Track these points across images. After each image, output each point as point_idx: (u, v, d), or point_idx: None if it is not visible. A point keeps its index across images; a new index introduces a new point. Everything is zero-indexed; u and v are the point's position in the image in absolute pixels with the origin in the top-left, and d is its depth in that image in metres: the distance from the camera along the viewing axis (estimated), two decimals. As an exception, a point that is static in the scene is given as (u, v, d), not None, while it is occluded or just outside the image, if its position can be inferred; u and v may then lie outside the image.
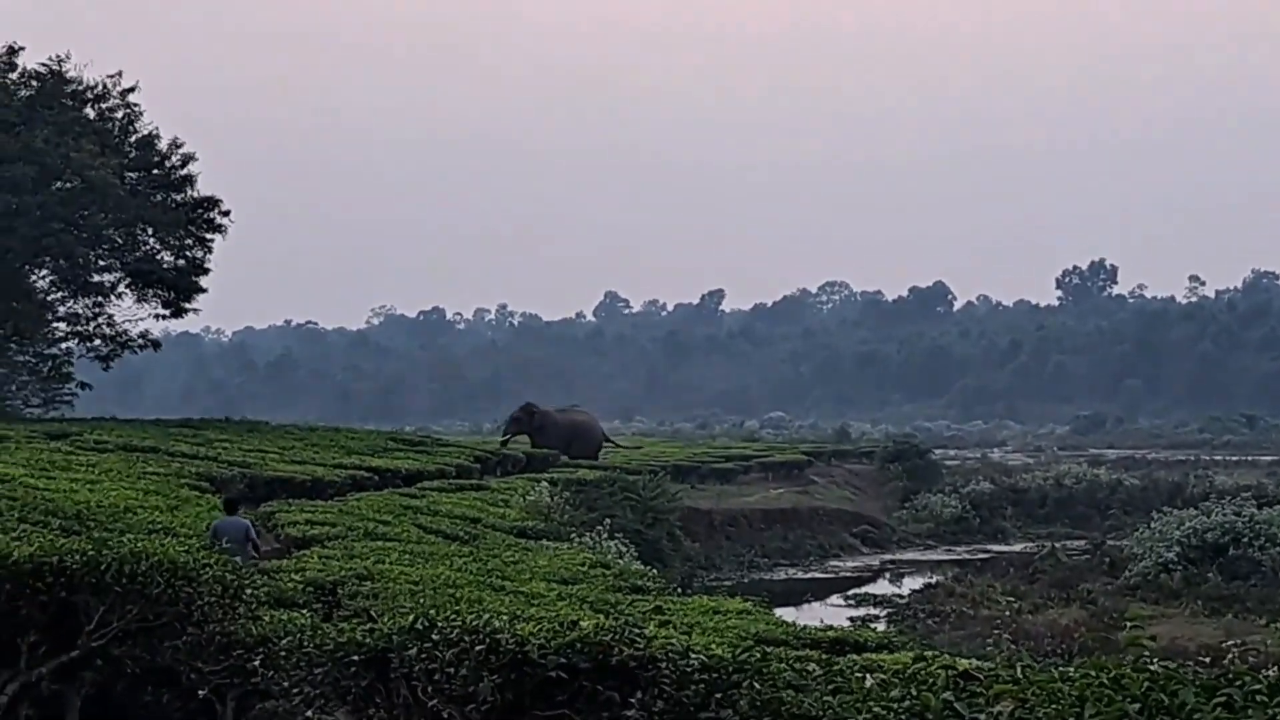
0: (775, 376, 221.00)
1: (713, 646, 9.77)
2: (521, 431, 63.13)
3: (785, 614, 26.08)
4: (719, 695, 8.55)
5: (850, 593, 48.24)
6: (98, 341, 62.98)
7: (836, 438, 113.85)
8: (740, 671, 8.73)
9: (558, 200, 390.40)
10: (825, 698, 8.60)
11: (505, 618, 9.56)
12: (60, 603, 10.98)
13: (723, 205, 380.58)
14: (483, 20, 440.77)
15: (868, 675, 8.98)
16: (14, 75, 60.35)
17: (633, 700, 8.66)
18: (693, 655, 8.85)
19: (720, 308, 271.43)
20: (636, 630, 9.03)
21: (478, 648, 8.97)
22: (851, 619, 38.25)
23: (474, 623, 9.20)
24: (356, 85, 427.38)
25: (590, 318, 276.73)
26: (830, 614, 39.52)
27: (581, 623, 9.33)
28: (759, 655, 9.10)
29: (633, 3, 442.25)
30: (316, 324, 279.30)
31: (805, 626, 19.45)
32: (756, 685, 8.65)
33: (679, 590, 26.89)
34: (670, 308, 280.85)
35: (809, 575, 54.28)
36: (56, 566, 11.06)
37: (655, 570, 31.56)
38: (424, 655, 9.33)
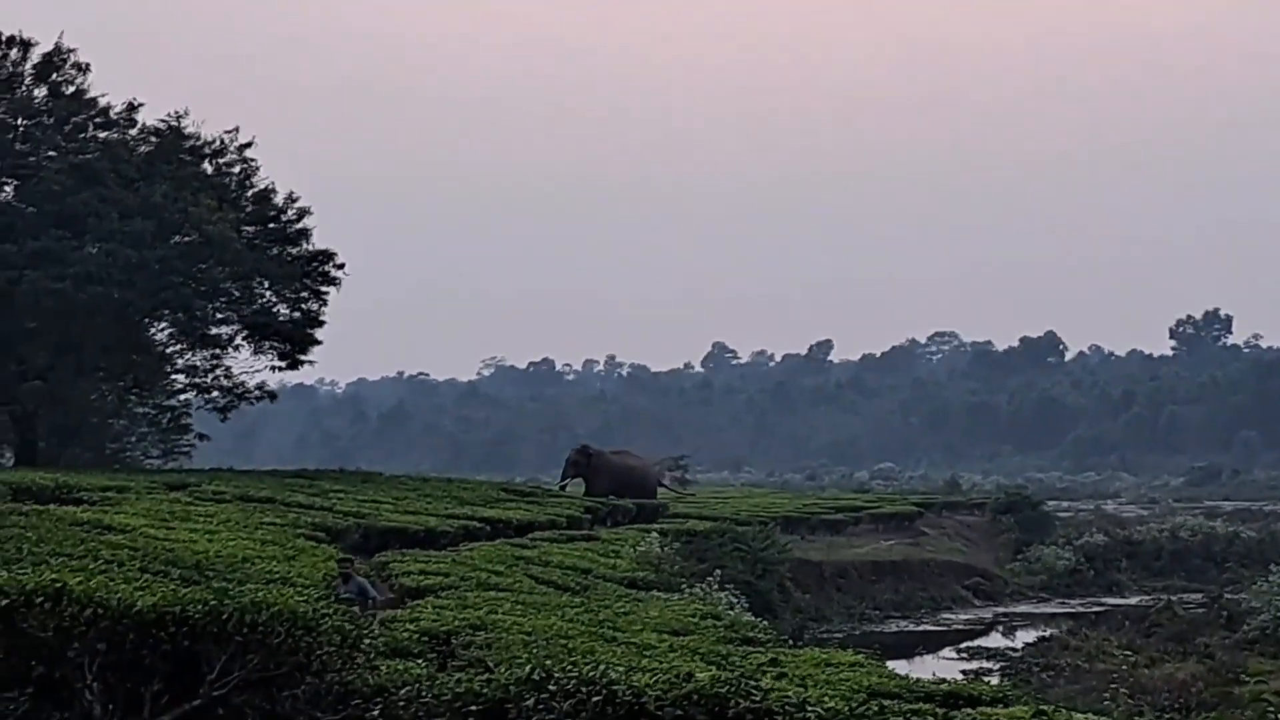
0: (884, 427, 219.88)
1: (827, 699, 9.72)
2: (578, 475, 63.09)
3: (897, 667, 25.84)
4: (837, 748, 8.49)
5: (963, 646, 47.80)
6: (215, 393, 63.68)
7: (947, 489, 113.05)
8: (857, 725, 8.67)
9: (664, 251, 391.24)
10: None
11: (621, 669, 9.56)
12: (183, 652, 11.10)
13: (830, 256, 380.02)
14: (581, 73, 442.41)
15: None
16: (134, 132, 61.36)
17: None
18: (809, 708, 8.81)
19: (828, 358, 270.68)
20: (753, 683, 8.99)
21: (594, 699, 8.97)
22: (964, 672, 37.84)
23: (590, 674, 9.21)
24: (468, 138, 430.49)
25: (698, 368, 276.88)
26: (943, 667, 39.14)
27: (698, 675, 9.31)
28: (875, 709, 9.04)
29: (729, 53, 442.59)
30: (428, 375, 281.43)
31: (919, 680, 19.25)
32: (874, 738, 8.58)
33: (790, 642, 26.74)
34: (778, 358, 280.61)
35: (921, 628, 53.80)
36: (179, 616, 11.19)
37: (766, 622, 31.42)
38: (541, 706, 9.35)
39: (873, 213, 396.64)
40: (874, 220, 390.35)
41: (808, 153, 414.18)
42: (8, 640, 10.84)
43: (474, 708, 9.85)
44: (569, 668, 9.59)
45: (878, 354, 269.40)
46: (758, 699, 8.87)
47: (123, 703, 10.98)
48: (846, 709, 8.98)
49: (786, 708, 8.84)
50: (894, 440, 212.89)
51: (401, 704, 11.15)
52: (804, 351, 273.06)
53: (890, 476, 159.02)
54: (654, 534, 42.88)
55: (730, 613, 30.99)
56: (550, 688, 9.37)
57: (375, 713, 11.63)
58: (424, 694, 10.82)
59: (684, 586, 34.29)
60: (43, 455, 57.99)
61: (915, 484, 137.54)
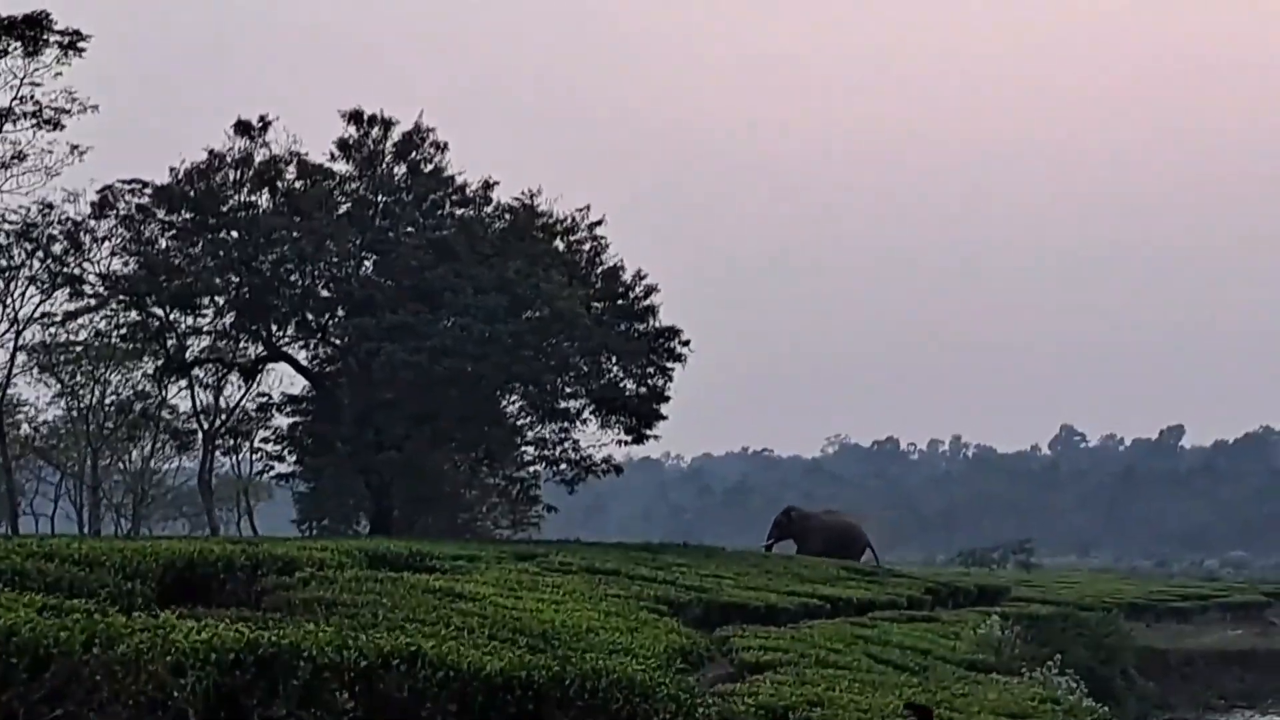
0: (1237, 515, 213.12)
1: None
2: (784, 536, 62.46)
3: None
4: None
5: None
6: (564, 465, 65.14)
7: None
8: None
9: (1011, 328, 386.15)
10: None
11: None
12: (527, 715, 11.50)
13: (1183, 337, 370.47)
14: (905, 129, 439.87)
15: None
16: (489, 209, 63.40)
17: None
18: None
19: (1179, 443, 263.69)
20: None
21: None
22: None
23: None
24: (806, 215, 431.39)
25: (1045, 451, 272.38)
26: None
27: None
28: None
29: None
30: (772, 451, 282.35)
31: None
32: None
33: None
34: (1127, 442, 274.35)
35: (1267, 718, 52.09)
36: (525, 680, 11.62)
37: (1107, 709, 30.81)
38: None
39: (1228, 296, 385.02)
40: (1228, 303, 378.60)
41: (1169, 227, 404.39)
42: (366, 701, 11.38)
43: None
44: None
45: (1230, 440, 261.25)
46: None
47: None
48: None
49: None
50: (1247, 528, 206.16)
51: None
52: (1154, 436, 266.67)
53: (1241, 565, 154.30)
54: (995, 617, 42.38)
55: (1070, 698, 30.47)
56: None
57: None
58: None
59: (1024, 670, 33.82)
60: (397, 523, 59.91)
61: (1268, 573, 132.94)
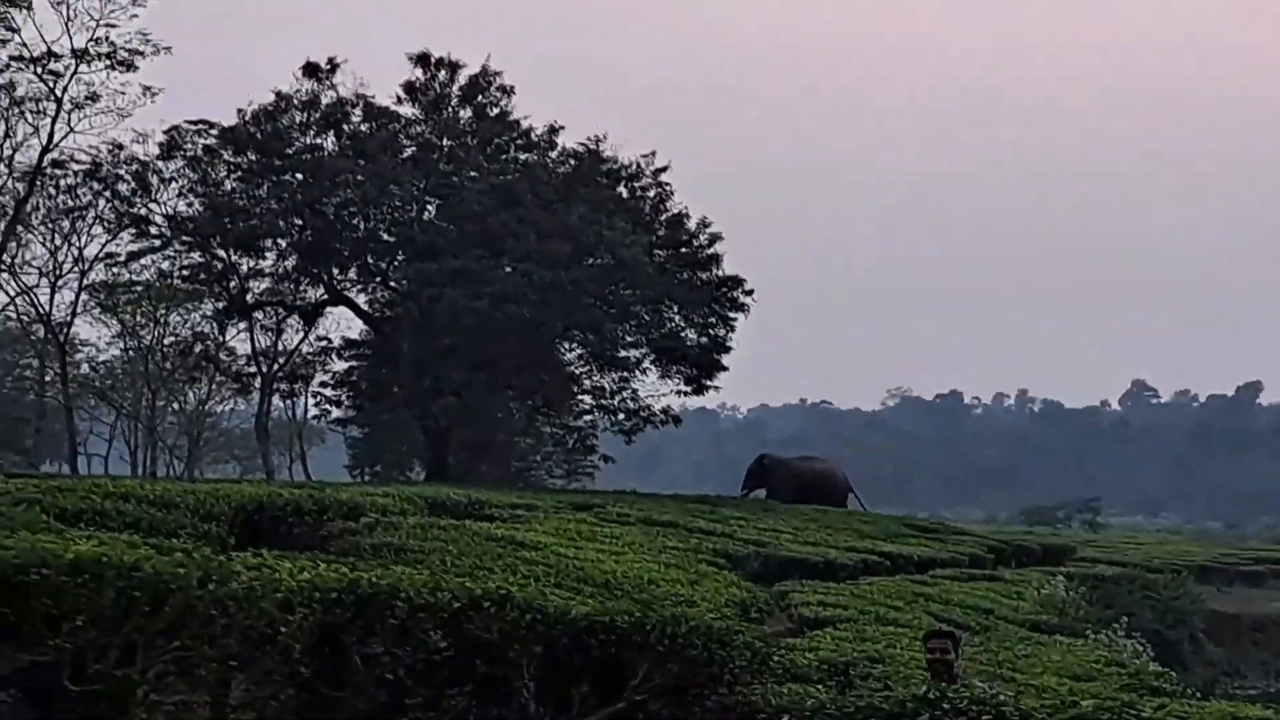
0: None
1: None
2: (758, 485, 62.97)
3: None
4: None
5: (1386, 706, 46.42)
6: (621, 415, 65.88)
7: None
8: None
9: (1081, 279, 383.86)
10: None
11: (1011, 693, 10.52)
12: (609, 659, 12.51)
13: (1261, 291, 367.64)
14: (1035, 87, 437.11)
15: None
16: (554, 154, 64.10)
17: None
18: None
19: (1257, 401, 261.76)
20: (1134, 711, 9.83)
21: (985, 717, 9.97)
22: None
23: (980, 695, 10.22)
24: (881, 161, 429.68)
25: (1115, 406, 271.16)
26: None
27: (1082, 702, 10.22)
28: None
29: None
30: (831, 404, 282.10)
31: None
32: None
33: (1197, 695, 26.82)
34: (1202, 399, 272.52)
35: (1340, 685, 52.37)
36: (608, 625, 12.65)
37: (1173, 673, 31.30)
38: (933, 721, 10.36)
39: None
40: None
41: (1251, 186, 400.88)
42: (455, 640, 12.41)
43: (873, 720, 10.96)
44: (961, 689, 10.60)
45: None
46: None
47: (553, 702, 12.46)
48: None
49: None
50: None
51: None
52: (1230, 393, 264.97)
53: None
54: (1059, 577, 42.82)
55: (1136, 661, 30.94)
56: (944, 705, 10.40)
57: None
58: (828, 708, 12.00)
59: (1088, 632, 34.33)
60: (452, 470, 60.76)
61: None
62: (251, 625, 11.63)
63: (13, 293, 66.58)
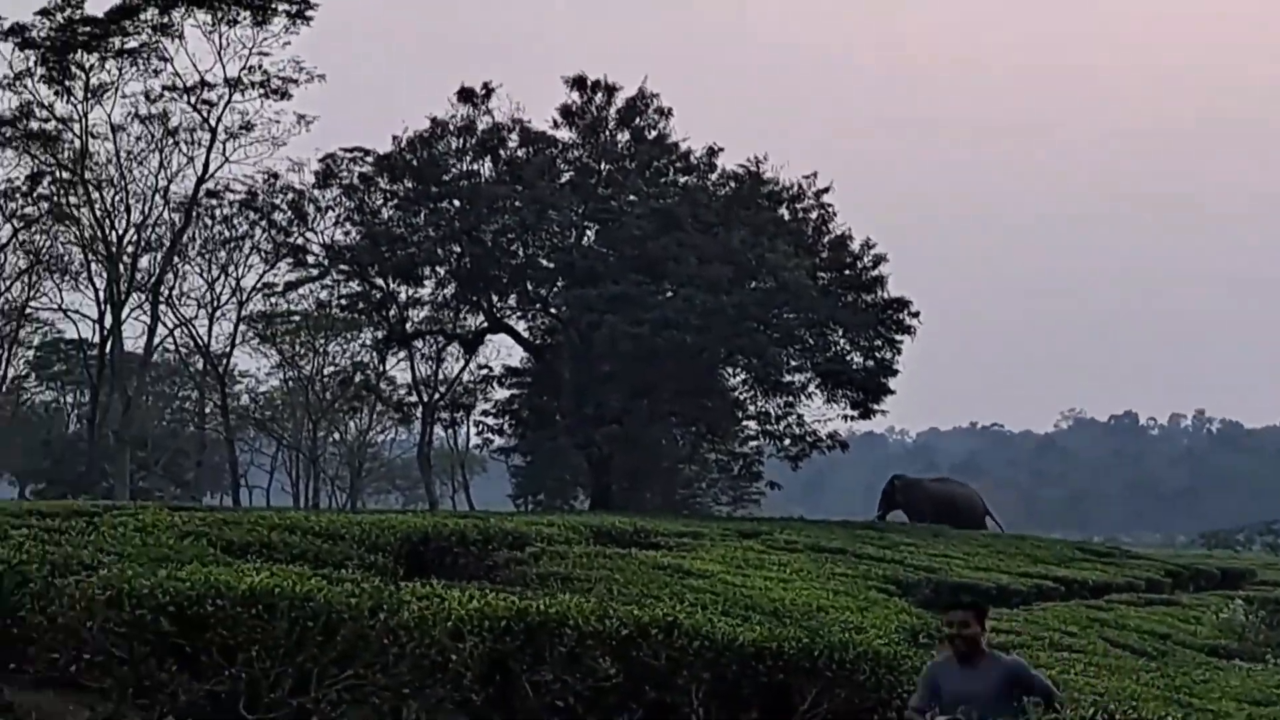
0: None
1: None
2: (893, 506, 62.21)
3: None
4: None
5: None
6: (787, 441, 65.71)
7: None
8: None
9: (1260, 296, 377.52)
10: None
11: None
12: (777, 685, 12.73)
13: None
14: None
15: None
16: (713, 176, 64.31)
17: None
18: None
19: None
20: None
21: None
22: None
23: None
24: (1047, 174, 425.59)
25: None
26: None
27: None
28: None
29: None
30: (1002, 426, 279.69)
31: None
32: None
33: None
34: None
35: None
36: (775, 651, 12.86)
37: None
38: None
39: None
40: None
41: None
42: (624, 667, 12.69)
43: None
44: (1129, 711, 10.70)
45: None
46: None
47: (723, 727, 12.73)
48: None
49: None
50: None
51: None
52: None
53: None
54: (1238, 601, 42.31)
55: (1321, 687, 30.57)
56: (1118, 730, 10.52)
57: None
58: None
59: (1268, 657, 33.95)
60: (616, 498, 61.08)
61: None
62: (423, 654, 11.98)
63: (171, 325, 68.03)
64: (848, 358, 63.64)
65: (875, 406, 64.87)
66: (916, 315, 62.98)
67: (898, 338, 63.28)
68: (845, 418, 65.80)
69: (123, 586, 11.96)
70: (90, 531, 19.22)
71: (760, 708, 12.80)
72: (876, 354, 63.51)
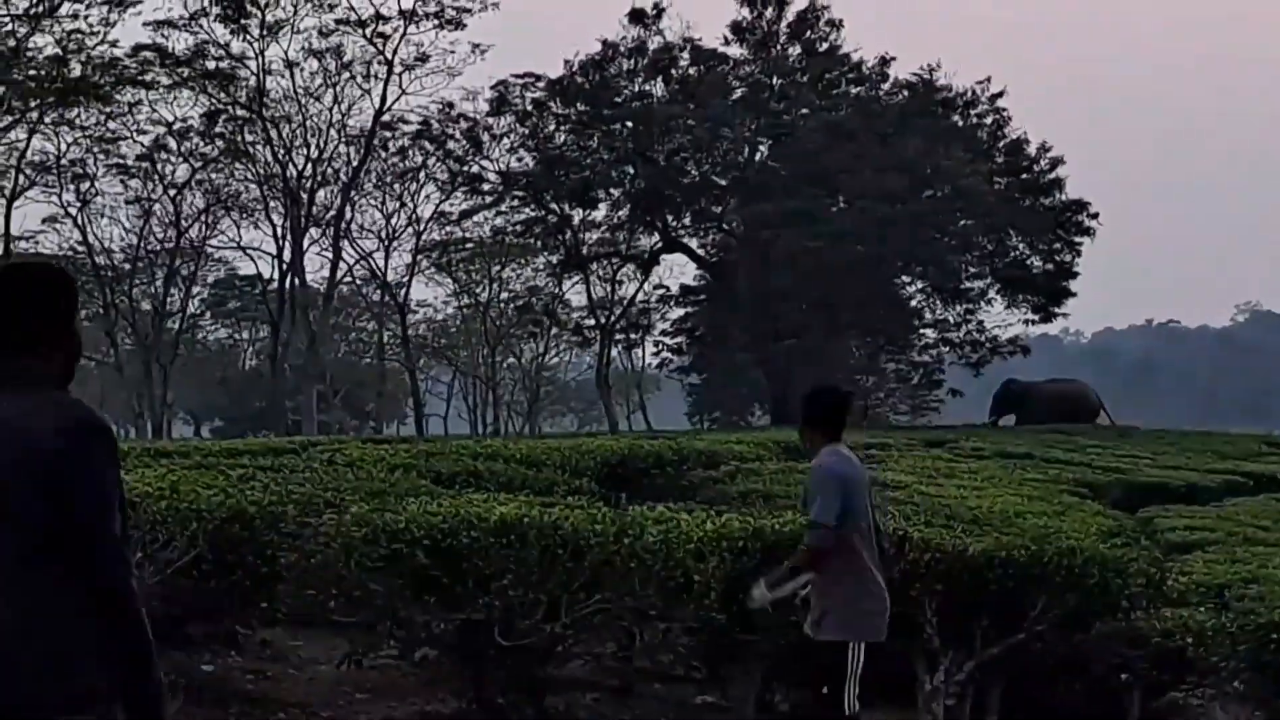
0: None
1: None
2: (1007, 410, 61.64)
3: None
4: None
5: None
6: (967, 348, 65.84)
7: None
8: None
9: None
10: None
11: None
12: (1006, 592, 13.25)
13: None
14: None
15: None
16: (886, 86, 64.34)
17: None
18: None
19: None
20: None
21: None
22: None
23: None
24: (1231, 71, 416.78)
25: None
26: None
27: None
28: None
29: None
30: (1179, 323, 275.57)
31: None
32: None
33: None
34: None
35: None
36: (1005, 560, 13.37)
37: None
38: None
39: None
40: None
41: None
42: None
43: (1275, 635, 11.61)
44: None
45: None
46: None
47: (955, 637, 13.26)
48: None
49: None
50: None
51: (1209, 635, 13.05)
52: None
53: None
54: None
55: None
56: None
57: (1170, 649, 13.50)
58: (1229, 625, 12.70)
59: None
60: (795, 414, 61.21)
61: None
62: (668, 575, 12.57)
63: (351, 259, 69.04)
64: (1027, 262, 63.60)
65: (1056, 310, 64.88)
66: (1095, 216, 63.00)
67: (1077, 240, 63.18)
68: (1026, 322, 65.98)
69: (378, 522, 12.64)
70: (303, 469, 19.95)
71: (991, 615, 13.33)
72: (1056, 257, 63.41)
